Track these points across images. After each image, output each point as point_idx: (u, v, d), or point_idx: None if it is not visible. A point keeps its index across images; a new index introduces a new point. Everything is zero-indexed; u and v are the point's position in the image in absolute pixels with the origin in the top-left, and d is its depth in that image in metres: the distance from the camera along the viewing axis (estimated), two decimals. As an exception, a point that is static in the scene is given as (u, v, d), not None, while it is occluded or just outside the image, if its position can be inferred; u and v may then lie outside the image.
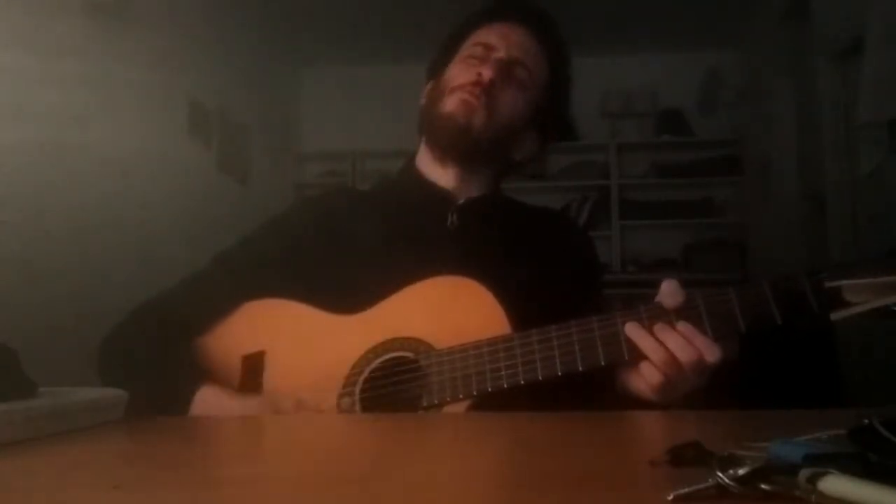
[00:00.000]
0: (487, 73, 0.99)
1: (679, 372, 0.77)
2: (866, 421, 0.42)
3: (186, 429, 0.78)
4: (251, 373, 0.94)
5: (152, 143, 2.88)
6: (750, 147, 4.14)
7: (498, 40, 1.03)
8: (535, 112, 1.04)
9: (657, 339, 0.78)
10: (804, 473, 0.36)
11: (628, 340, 0.79)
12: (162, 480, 0.48)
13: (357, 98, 4.50)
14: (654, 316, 0.79)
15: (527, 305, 0.86)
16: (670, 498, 0.37)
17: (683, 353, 0.77)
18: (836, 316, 0.71)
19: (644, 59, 4.44)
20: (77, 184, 2.38)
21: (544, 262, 1.01)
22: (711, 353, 0.77)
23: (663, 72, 4.44)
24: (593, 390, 0.82)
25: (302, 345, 0.93)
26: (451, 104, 1.00)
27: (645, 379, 0.79)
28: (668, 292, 0.79)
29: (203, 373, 0.92)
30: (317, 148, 4.70)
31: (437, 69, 1.08)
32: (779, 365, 2.45)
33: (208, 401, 0.88)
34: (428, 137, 1.04)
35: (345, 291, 0.93)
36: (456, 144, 1.00)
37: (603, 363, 0.79)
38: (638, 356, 0.79)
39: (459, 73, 1.02)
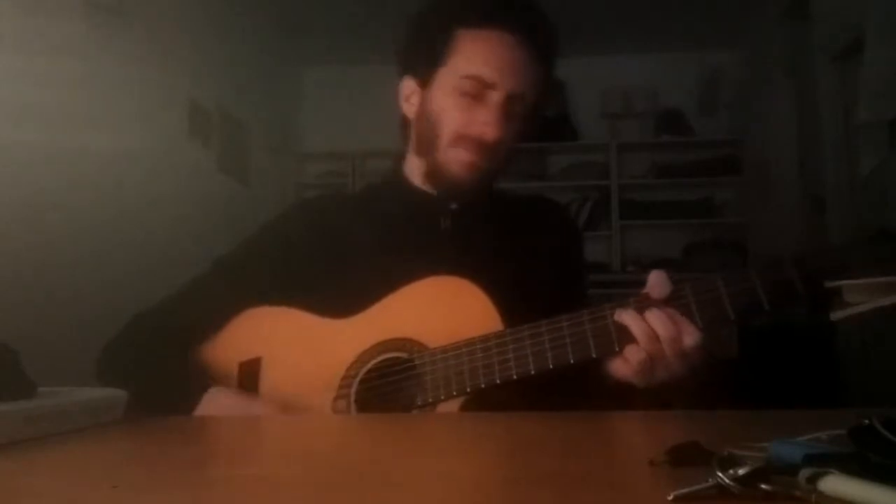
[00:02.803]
0: (493, 134, 0.93)
1: (659, 348, 0.78)
2: (866, 421, 0.42)
3: (186, 429, 0.78)
4: (247, 379, 0.94)
5: (152, 144, 2.88)
6: (750, 147, 4.14)
7: (493, 73, 0.93)
8: (525, 127, 1.00)
9: (642, 317, 0.79)
10: (804, 473, 0.36)
11: (618, 330, 0.80)
12: (161, 480, 0.48)
13: (357, 98, 4.49)
14: (644, 307, 0.80)
15: (519, 302, 0.86)
16: (670, 498, 0.37)
17: (663, 329, 0.77)
18: (835, 316, 0.71)
19: (644, 59, 4.43)
20: (77, 184, 2.38)
21: (535, 256, 1.01)
22: (690, 336, 0.78)
23: (663, 72, 4.44)
24: (584, 383, 0.83)
25: (297, 350, 0.94)
26: (453, 162, 0.95)
27: (628, 361, 0.80)
28: (656, 283, 0.80)
29: (207, 378, 0.93)
30: (317, 148, 4.70)
31: (419, 69, 1.00)
32: (778, 365, 2.46)
33: (216, 401, 0.88)
34: (427, 172, 1.00)
35: (338, 295, 0.93)
36: (458, 195, 1.00)
37: (594, 355, 0.80)
38: (627, 345, 0.80)
39: (454, 114, 0.95)
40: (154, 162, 2.88)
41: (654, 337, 0.78)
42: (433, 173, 0.99)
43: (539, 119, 1.07)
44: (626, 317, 0.79)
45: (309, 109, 4.74)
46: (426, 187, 1.02)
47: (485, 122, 0.93)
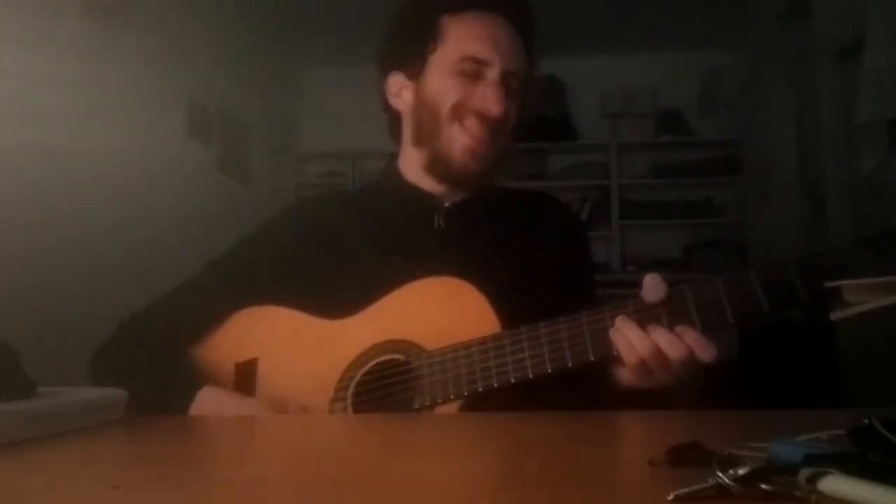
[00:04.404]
0: (496, 108, 0.93)
1: (663, 363, 0.76)
2: (866, 421, 0.42)
3: (186, 429, 0.78)
4: (244, 380, 0.94)
5: (152, 144, 2.88)
6: (750, 147, 4.14)
7: (488, 51, 0.95)
8: (519, 111, 1.02)
9: (645, 334, 0.76)
10: (804, 473, 0.36)
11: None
12: (161, 480, 0.48)
13: (357, 98, 4.47)
14: (642, 310, 0.78)
15: (517, 302, 0.85)
16: (670, 498, 0.37)
17: (672, 350, 0.75)
18: (835, 316, 0.71)
19: (644, 59, 4.43)
20: (77, 184, 2.38)
21: (534, 254, 0.99)
22: (705, 352, 0.76)
23: (663, 72, 4.43)
24: (588, 385, 0.82)
25: (294, 351, 0.93)
26: (458, 147, 0.95)
27: (632, 371, 0.79)
28: (650, 287, 0.78)
29: (202, 376, 0.93)
30: (317, 148, 4.70)
31: (407, 63, 1.00)
32: (778, 365, 2.45)
33: (210, 400, 0.88)
34: (427, 162, 0.99)
35: (335, 296, 0.93)
36: (467, 183, 0.99)
37: (592, 359, 0.79)
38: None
39: (453, 92, 0.95)
40: (154, 162, 2.88)
41: (661, 355, 0.76)
42: (434, 162, 0.98)
43: (531, 105, 1.07)
44: (630, 333, 0.77)
45: (309, 109, 4.74)
46: (424, 182, 1.01)
47: (486, 97, 0.94)
